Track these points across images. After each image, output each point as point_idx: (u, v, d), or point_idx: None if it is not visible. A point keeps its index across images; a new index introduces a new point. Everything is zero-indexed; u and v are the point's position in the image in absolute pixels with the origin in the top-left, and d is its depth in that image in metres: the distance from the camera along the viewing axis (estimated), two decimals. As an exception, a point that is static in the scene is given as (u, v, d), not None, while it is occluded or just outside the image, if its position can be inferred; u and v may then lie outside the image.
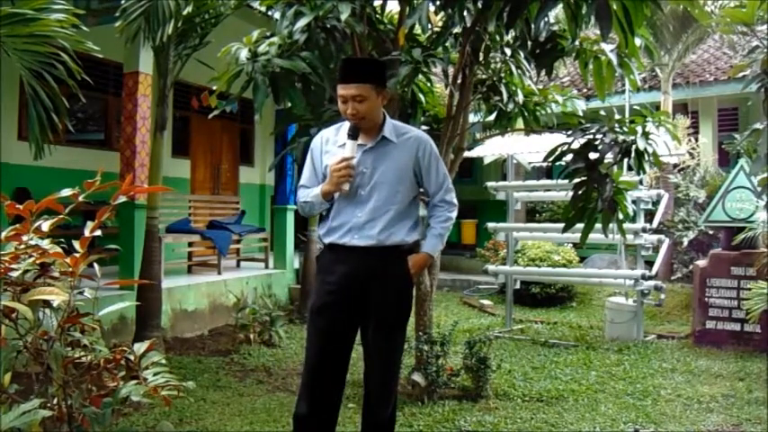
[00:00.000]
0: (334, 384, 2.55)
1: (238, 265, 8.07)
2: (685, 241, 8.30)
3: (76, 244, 1.91)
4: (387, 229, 2.49)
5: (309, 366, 2.55)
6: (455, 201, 2.68)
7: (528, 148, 6.88)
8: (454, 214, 2.66)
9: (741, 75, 6.86)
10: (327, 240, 2.57)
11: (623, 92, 9.03)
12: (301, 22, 3.51)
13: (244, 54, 3.69)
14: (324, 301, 2.55)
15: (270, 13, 4.37)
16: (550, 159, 3.83)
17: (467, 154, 5.28)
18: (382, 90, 2.51)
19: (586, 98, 7.48)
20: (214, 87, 3.93)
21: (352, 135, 2.47)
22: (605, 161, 3.67)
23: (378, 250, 2.48)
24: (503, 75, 4.52)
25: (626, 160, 3.72)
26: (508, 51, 4.39)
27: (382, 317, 2.53)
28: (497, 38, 4.29)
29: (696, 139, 9.19)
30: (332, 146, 2.58)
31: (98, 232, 1.96)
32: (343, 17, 3.42)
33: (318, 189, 2.52)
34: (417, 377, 4.03)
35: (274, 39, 3.72)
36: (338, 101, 2.50)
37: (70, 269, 1.88)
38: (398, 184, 2.52)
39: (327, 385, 2.53)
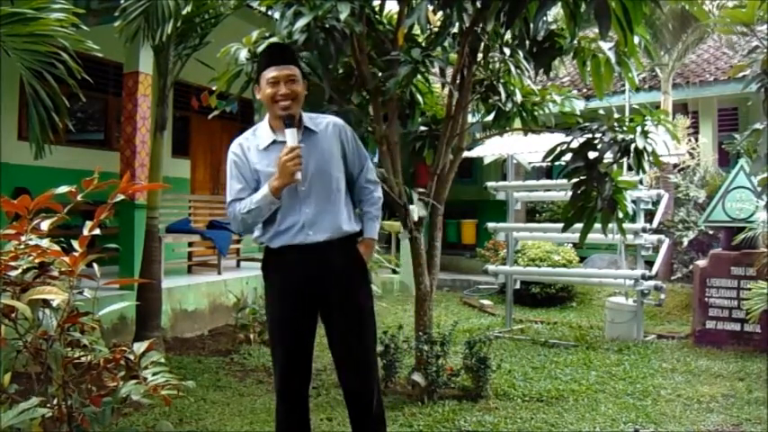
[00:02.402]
0: (303, 383, 2.58)
1: (238, 265, 8.06)
2: (685, 241, 8.30)
3: (76, 244, 1.91)
4: (336, 219, 2.48)
5: (279, 374, 2.55)
6: (377, 178, 2.70)
7: (528, 147, 6.86)
8: (380, 193, 2.68)
9: (741, 75, 6.86)
10: (277, 244, 2.49)
11: (623, 92, 9.04)
12: (301, 22, 3.50)
13: (243, 54, 3.69)
14: (284, 306, 2.52)
15: (270, 13, 4.37)
16: (549, 159, 3.82)
17: (467, 154, 5.27)
18: (304, 78, 2.51)
19: (586, 98, 7.46)
20: (214, 87, 3.93)
21: (290, 124, 2.40)
22: (604, 160, 3.67)
23: (334, 241, 2.47)
24: (501, 74, 4.52)
25: (626, 160, 3.71)
26: (507, 51, 4.38)
27: (349, 307, 2.52)
28: (496, 37, 4.29)
29: (696, 139, 9.19)
30: (255, 151, 2.51)
31: (97, 231, 1.96)
32: (343, 17, 3.41)
33: (265, 189, 2.39)
34: (417, 377, 4.02)
35: (274, 39, 3.72)
36: (265, 87, 2.43)
37: (69, 268, 1.88)
38: (334, 171, 2.51)
39: (298, 386, 2.56)
